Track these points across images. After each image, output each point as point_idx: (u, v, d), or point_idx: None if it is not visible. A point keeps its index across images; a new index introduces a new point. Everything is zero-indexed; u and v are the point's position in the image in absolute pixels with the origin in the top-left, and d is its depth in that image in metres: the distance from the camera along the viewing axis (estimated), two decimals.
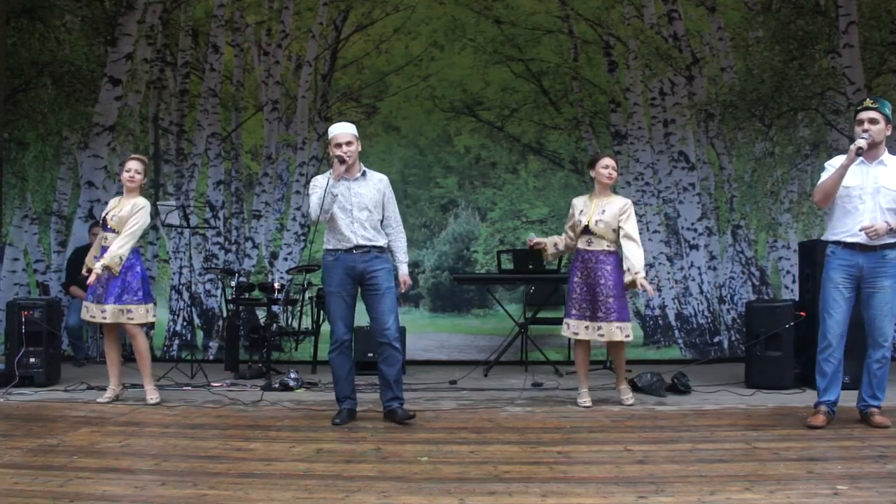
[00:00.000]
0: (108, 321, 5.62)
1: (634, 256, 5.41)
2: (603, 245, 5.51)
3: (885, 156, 4.84)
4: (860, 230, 4.68)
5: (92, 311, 5.65)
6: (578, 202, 5.68)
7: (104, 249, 5.68)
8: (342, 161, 4.92)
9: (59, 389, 6.27)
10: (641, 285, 5.36)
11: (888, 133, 4.80)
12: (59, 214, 8.44)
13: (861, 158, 4.76)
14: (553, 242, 5.77)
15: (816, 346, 4.93)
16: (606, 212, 5.49)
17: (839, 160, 4.80)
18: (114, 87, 8.48)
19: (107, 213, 5.74)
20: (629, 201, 5.60)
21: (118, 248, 5.55)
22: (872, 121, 4.72)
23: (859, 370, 5.41)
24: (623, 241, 5.47)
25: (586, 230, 5.51)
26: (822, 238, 4.99)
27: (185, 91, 8.56)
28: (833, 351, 4.84)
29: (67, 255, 8.24)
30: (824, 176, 4.83)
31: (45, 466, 3.93)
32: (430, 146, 8.60)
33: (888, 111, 4.77)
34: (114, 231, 5.65)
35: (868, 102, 4.80)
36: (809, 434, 4.65)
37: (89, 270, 5.78)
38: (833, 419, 4.85)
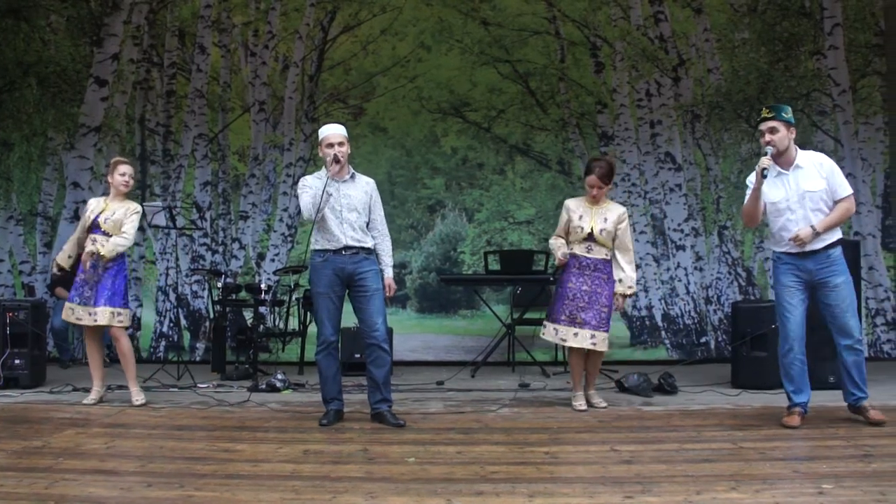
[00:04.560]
0: (98, 323, 5.59)
1: (628, 270, 5.44)
2: (602, 253, 5.45)
3: (799, 157, 4.84)
4: (788, 241, 4.78)
5: (78, 314, 5.60)
6: (575, 206, 5.50)
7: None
8: (337, 161, 4.93)
9: (44, 391, 6.25)
10: (621, 301, 5.43)
11: (793, 136, 4.83)
12: (44, 215, 8.40)
13: (778, 169, 4.81)
14: (566, 246, 5.52)
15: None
16: (608, 220, 5.42)
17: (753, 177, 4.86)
18: (100, 87, 8.44)
19: (98, 216, 5.65)
20: (625, 210, 5.54)
21: (118, 243, 5.57)
22: (772, 130, 4.75)
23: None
24: (618, 252, 5.47)
25: (590, 237, 5.43)
26: (765, 246, 5.03)
27: (171, 92, 8.53)
28: (796, 353, 4.87)
29: (53, 256, 8.18)
30: (748, 193, 4.85)
31: (31, 468, 3.91)
32: (417, 147, 8.59)
33: (788, 115, 4.79)
34: (106, 234, 5.61)
35: (765, 112, 4.80)
36: (795, 434, 4.68)
37: (61, 269, 5.74)
38: (805, 418, 4.90)
